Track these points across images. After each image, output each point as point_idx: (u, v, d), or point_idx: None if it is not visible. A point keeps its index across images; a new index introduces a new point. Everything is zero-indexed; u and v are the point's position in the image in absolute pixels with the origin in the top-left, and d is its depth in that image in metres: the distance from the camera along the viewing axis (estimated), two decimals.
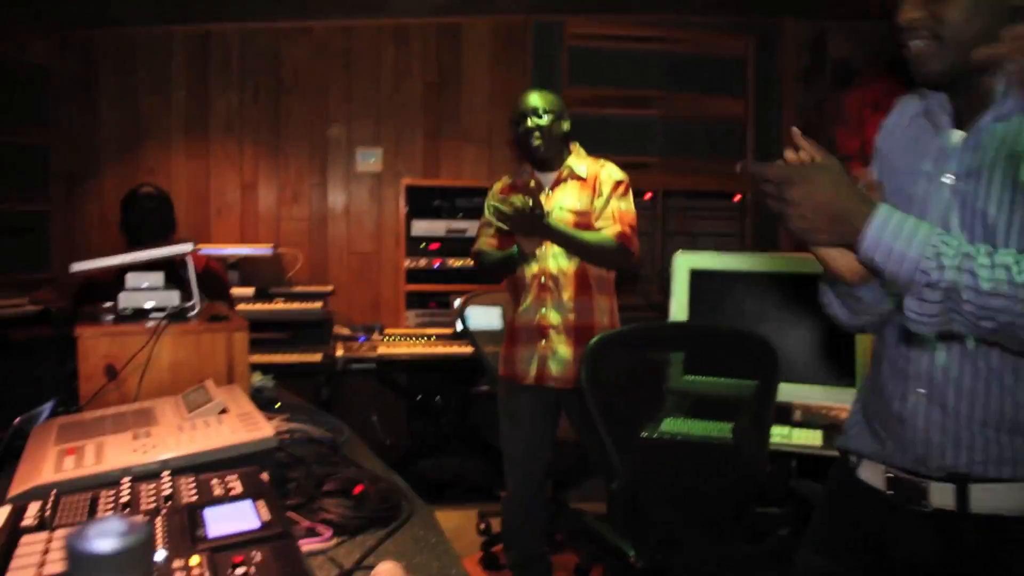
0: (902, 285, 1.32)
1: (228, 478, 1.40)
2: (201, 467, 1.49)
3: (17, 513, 1.28)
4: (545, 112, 3.10)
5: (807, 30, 5.41)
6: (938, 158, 1.53)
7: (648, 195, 5.31)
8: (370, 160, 5.26)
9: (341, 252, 5.28)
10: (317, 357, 4.55)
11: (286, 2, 4.82)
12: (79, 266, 2.18)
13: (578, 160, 3.19)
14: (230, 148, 5.16)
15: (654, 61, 5.33)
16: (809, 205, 1.35)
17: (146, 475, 1.44)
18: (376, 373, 4.74)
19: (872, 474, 1.62)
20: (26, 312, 4.05)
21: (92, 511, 1.29)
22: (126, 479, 1.38)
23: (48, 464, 1.51)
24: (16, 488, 1.42)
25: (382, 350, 4.62)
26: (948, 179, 1.49)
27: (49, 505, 1.30)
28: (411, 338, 4.81)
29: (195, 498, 1.31)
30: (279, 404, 2.41)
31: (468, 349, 4.46)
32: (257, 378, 2.57)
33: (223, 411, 1.76)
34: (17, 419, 1.90)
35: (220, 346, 2.17)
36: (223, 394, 1.87)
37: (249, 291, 4.76)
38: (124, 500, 1.31)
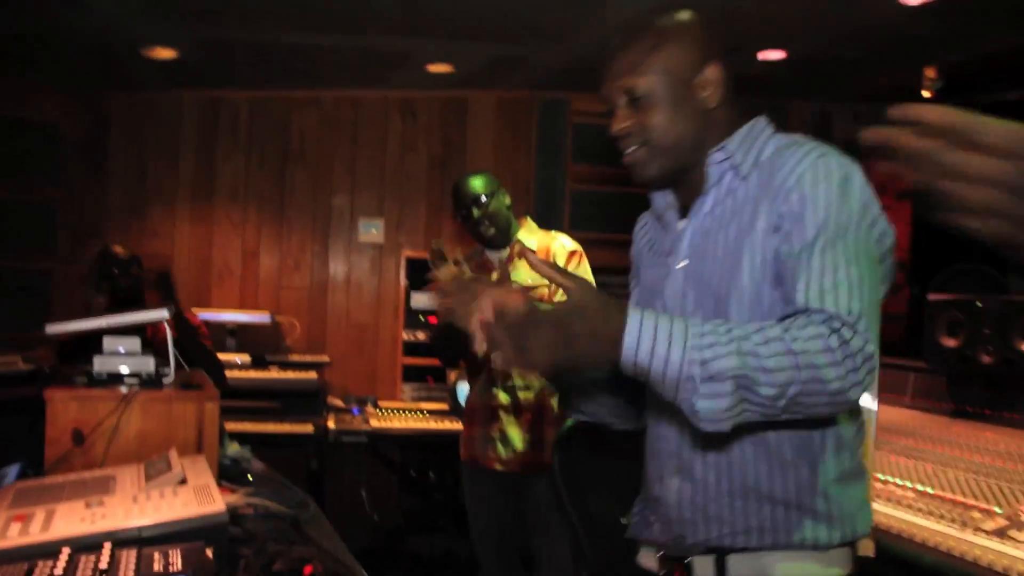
0: (676, 386, 1.21)
1: (171, 553, 1.37)
2: (148, 540, 1.46)
3: None
4: (486, 196, 3.08)
5: (813, 112, 5.46)
6: (671, 250, 1.62)
7: None
8: (372, 231, 5.28)
9: (339, 322, 5.28)
10: (309, 428, 4.52)
11: (296, 72, 4.90)
12: (55, 328, 2.17)
13: (528, 234, 3.18)
14: (234, 214, 5.20)
15: None
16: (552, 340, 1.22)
17: (89, 546, 1.40)
18: (368, 446, 4.69)
19: (647, 558, 1.68)
20: (18, 371, 4.03)
21: None
22: (65, 550, 1.35)
23: None
24: None
25: (375, 423, 4.58)
26: (680, 264, 1.58)
27: None
28: (405, 412, 4.76)
29: (132, 573, 1.28)
30: (251, 476, 2.37)
31: (461, 426, 4.41)
32: (234, 448, 2.54)
33: (182, 482, 1.73)
34: None
35: (191, 415, 2.15)
36: (186, 464, 1.84)
37: (245, 358, 4.75)
38: (59, 572, 1.27)
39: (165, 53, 4.37)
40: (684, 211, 1.63)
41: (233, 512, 1.68)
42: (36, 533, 1.47)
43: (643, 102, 1.54)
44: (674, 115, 1.55)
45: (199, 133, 5.17)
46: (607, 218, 5.00)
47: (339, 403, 4.83)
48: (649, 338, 1.21)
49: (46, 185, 5.02)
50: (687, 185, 1.60)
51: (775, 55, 4.38)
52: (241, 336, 4.96)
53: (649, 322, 1.22)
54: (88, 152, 5.12)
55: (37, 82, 4.95)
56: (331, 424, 4.53)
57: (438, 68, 4.75)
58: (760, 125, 1.59)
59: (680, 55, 1.55)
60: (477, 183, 3.12)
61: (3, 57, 4.52)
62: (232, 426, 3.56)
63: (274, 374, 4.69)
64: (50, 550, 1.38)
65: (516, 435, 3.02)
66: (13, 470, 2.02)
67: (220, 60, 4.64)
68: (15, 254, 4.78)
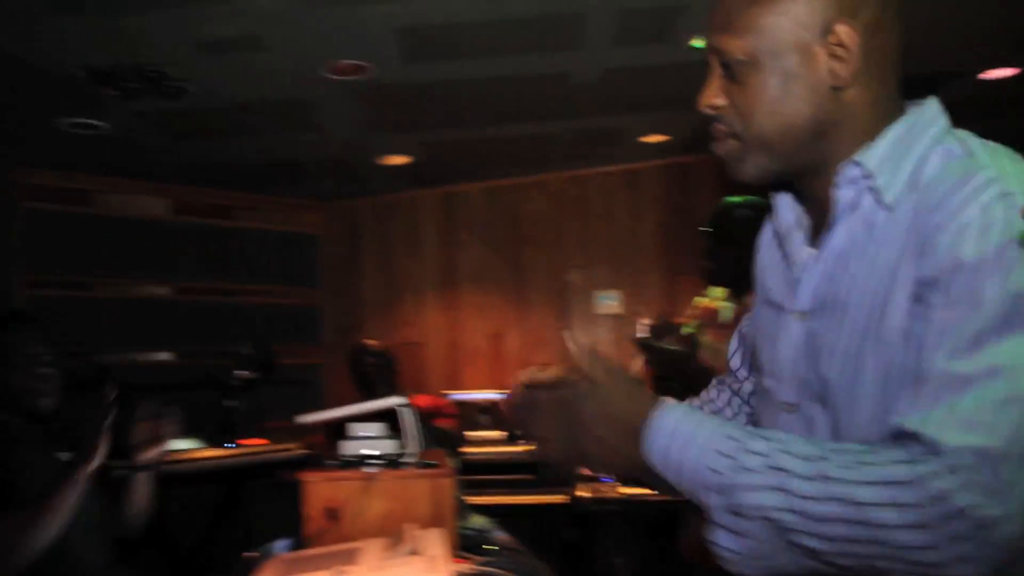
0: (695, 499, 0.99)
1: None
2: None
3: None
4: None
5: None
6: (790, 287, 1.23)
7: None
8: (609, 302, 5.41)
9: None
10: (561, 498, 4.64)
11: (523, 160, 5.17)
12: (304, 418, 2.43)
13: None
14: (477, 298, 5.51)
15: None
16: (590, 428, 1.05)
17: None
18: (622, 515, 4.74)
19: None
20: (295, 456, 4.47)
21: None
22: None
23: None
24: None
25: (628, 491, 4.63)
26: (796, 312, 1.19)
27: None
28: None
29: None
30: (489, 547, 2.51)
31: None
32: (478, 520, 2.70)
33: (414, 553, 1.89)
34: (253, 552, 2.12)
35: (427, 492, 2.32)
36: (422, 537, 2.00)
37: (499, 435, 4.97)
38: None
39: (399, 160, 4.79)
40: (815, 232, 1.22)
41: None
42: None
43: (738, 72, 1.14)
44: (780, 95, 1.13)
45: (438, 226, 5.57)
46: None
47: (590, 472, 4.92)
48: (667, 436, 1.00)
49: (310, 288, 5.59)
50: (813, 197, 1.21)
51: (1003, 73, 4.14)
52: (494, 413, 5.20)
53: (673, 417, 1.01)
54: (343, 255, 5.65)
55: (299, 199, 5.56)
56: (584, 493, 4.62)
57: (654, 139, 4.86)
58: (926, 118, 1.12)
59: (795, 8, 1.10)
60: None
61: (272, 181, 5.12)
62: (487, 499, 3.75)
63: (526, 447, 4.85)
64: None
65: None
66: (286, 543, 2.28)
67: (450, 159, 4.98)
68: (288, 351, 5.31)
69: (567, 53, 3.47)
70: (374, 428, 2.50)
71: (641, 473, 1.01)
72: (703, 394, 1.63)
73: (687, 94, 4.09)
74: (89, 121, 3.83)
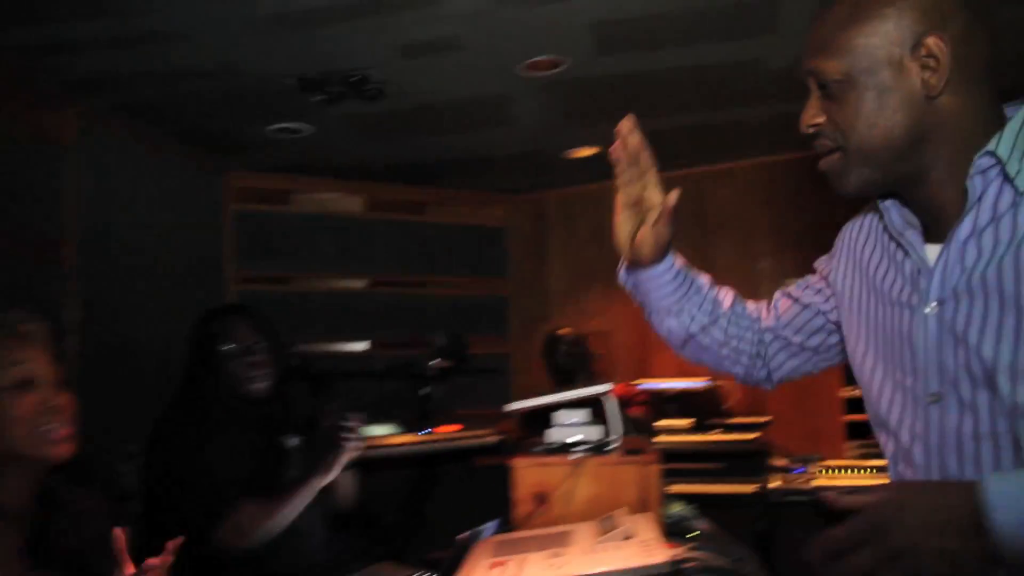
0: None
1: None
2: None
3: None
4: None
5: None
6: (914, 284, 1.28)
7: None
8: None
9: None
10: (751, 488, 4.57)
11: (712, 148, 5.12)
12: (513, 406, 2.51)
13: None
14: None
15: None
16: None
17: None
18: (813, 506, 4.63)
19: None
20: (488, 442, 4.60)
21: None
22: None
23: (479, 573, 1.78)
24: None
25: (819, 482, 4.52)
26: (930, 308, 1.23)
27: None
28: (852, 470, 4.65)
29: None
30: (697, 533, 2.51)
31: None
32: (677, 508, 2.71)
33: (628, 537, 1.92)
34: (465, 534, 2.21)
35: (634, 478, 2.35)
36: (632, 522, 2.03)
37: (687, 423, 4.95)
38: None
39: (587, 151, 4.83)
40: (927, 231, 1.29)
41: (676, 564, 1.83)
42: None
43: (835, 91, 1.23)
44: (877, 108, 1.20)
45: None
46: None
47: (782, 462, 4.83)
48: (1017, 507, 0.92)
49: (498, 279, 5.72)
50: (918, 200, 1.27)
51: None
52: (682, 401, 5.18)
53: (1012, 484, 0.95)
54: (530, 247, 5.74)
55: (487, 193, 5.70)
56: (775, 484, 4.55)
57: None
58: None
59: (885, 27, 1.19)
60: None
61: (462, 176, 5.28)
62: (678, 488, 3.75)
63: (715, 437, 4.83)
64: None
65: None
66: (493, 525, 2.36)
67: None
68: (476, 341, 5.46)
69: (759, 39, 3.41)
70: (580, 415, 2.55)
71: (997, 561, 0.92)
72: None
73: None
74: (293, 126, 4.06)
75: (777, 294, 1.75)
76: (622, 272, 1.74)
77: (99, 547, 1.75)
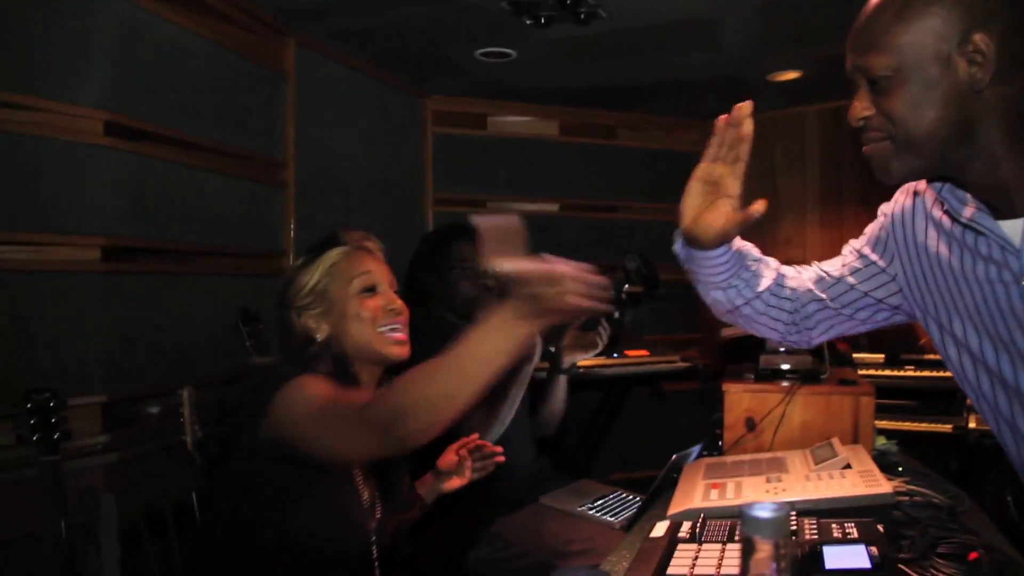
0: None
1: (846, 525, 1.59)
2: (822, 512, 1.70)
3: (674, 528, 1.63)
4: None
5: None
6: (1001, 260, 1.34)
7: None
8: None
9: None
10: (947, 428, 4.46)
11: None
12: (728, 331, 2.55)
13: None
14: (862, 218, 5.31)
15: None
16: None
17: None
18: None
19: None
20: (677, 368, 4.65)
21: (731, 534, 1.58)
22: None
23: (698, 494, 1.85)
24: (673, 509, 1.78)
25: None
26: None
27: (699, 524, 1.62)
28: None
29: (815, 536, 1.52)
30: (901, 468, 2.50)
31: None
32: (881, 441, 2.69)
33: (846, 467, 1.95)
34: (674, 456, 2.29)
35: (847, 408, 2.36)
36: (847, 452, 2.05)
37: (879, 357, 4.84)
38: None
39: (789, 75, 4.69)
40: (994, 210, 1.36)
41: (898, 497, 1.85)
42: (731, 499, 1.80)
43: (884, 85, 1.31)
44: (925, 101, 1.28)
45: (823, 144, 5.41)
46: None
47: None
48: None
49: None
50: (978, 181, 1.34)
51: None
52: (876, 335, 5.05)
53: None
54: None
55: (679, 118, 5.63)
56: (972, 424, 4.41)
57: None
58: None
59: (933, 24, 1.26)
60: None
61: (655, 100, 5.23)
62: (884, 423, 3.72)
63: (909, 373, 4.71)
64: None
65: None
66: (696, 449, 2.43)
67: (841, 73, 4.82)
68: (665, 268, 5.48)
69: None
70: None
71: None
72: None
73: None
74: (502, 49, 4.13)
75: (819, 267, 1.83)
76: (677, 243, 1.77)
77: None
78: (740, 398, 2.40)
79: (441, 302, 3.01)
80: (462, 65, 4.38)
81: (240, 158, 3.54)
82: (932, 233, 1.52)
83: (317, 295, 1.98)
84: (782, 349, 2.53)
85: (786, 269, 1.84)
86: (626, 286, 4.61)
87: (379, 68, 4.44)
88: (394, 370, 1.99)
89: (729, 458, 2.25)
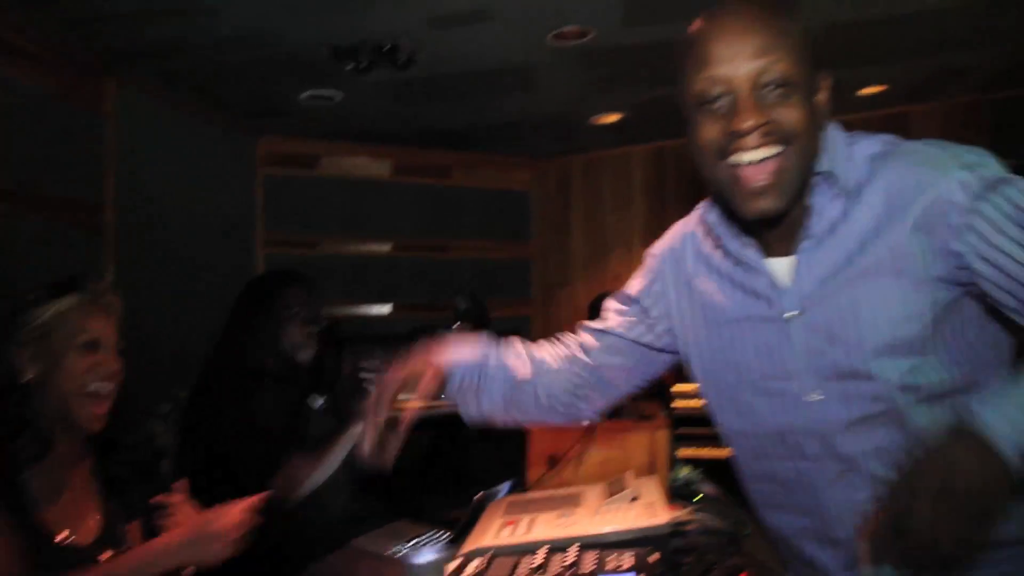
0: None
1: (625, 555, 1.66)
2: (607, 545, 1.77)
3: (462, 566, 1.67)
4: None
5: None
6: (767, 297, 1.40)
7: None
8: None
9: None
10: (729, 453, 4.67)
11: None
12: None
13: None
14: None
15: None
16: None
17: (561, 547, 1.76)
18: None
19: None
20: None
21: (513, 570, 1.63)
22: (543, 549, 1.71)
23: (492, 531, 1.90)
24: (466, 547, 1.82)
25: None
26: (791, 314, 1.36)
27: (485, 562, 1.67)
28: None
29: (592, 568, 1.59)
30: (700, 496, 2.63)
31: None
32: (684, 471, 2.82)
33: (634, 499, 2.03)
34: (480, 494, 2.33)
35: (644, 443, 2.47)
36: (639, 485, 2.14)
37: (694, 387, 5.03)
38: (537, 564, 1.63)
39: (612, 117, 4.89)
40: (765, 246, 1.40)
41: (677, 525, 1.94)
42: (521, 536, 1.86)
43: (780, 92, 1.23)
44: (812, 120, 1.27)
45: (647, 182, 5.64)
46: None
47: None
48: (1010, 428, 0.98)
49: (521, 243, 5.83)
50: (764, 216, 1.32)
51: None
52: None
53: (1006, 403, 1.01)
54: (554, 211, 5.84)
55: (512, 157, 5.78)
56: None
57: (872, 90, 4.73)
58: (836, 131, 1.35)
59: (807, 51, 1.27)
60: None
61: (487, 141, 5.35)
62: (690, 452, 3.87)
63: None
64: (532, 548, 1.76)
65: None
66: (507, 486, 2.48)
67: (661, 114, 5.05)
68: (499, 305, 5.57)
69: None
70: None
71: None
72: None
73: (912, 40, 3.83)
74: (325, 92, 4.15)
75: (584, 332, 1.86)
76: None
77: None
78: (543, 436, 2.47)
79: (264, 348, 2.97)
80: (289, 106, 4.38)
81: (55, 202, 3.42)
82: (702, 270, 1.56)
83: (40, 335, 1.91)
84: None
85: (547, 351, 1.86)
86: (455, 325, 4.67)
87: (206, 108, 4.39)
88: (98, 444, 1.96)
89: (532, 495, 2.30)
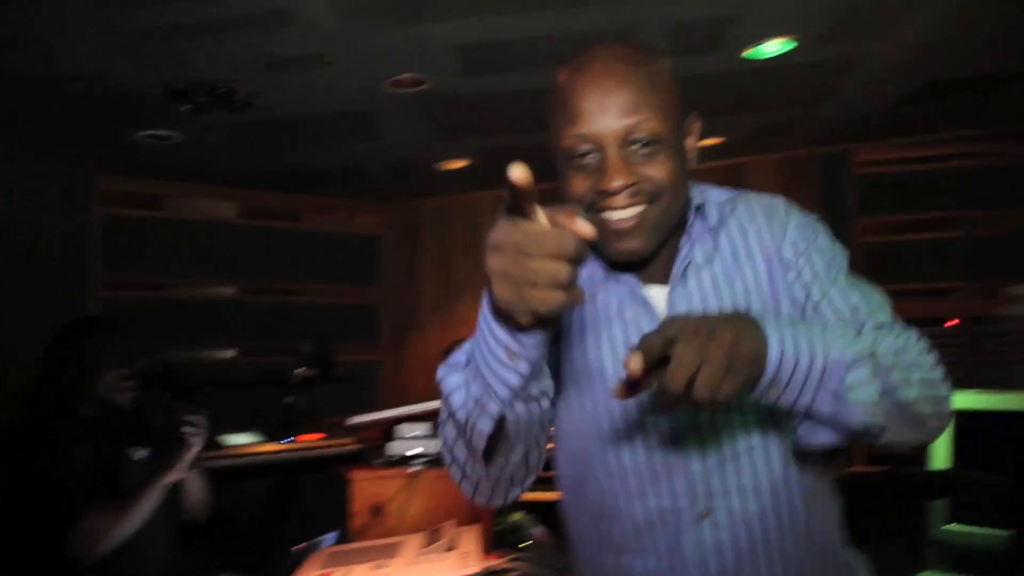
0: (821, 376, 1.10)
1: None
2: None
3: None
4: None
5: None
6: (638, 324, 1.36)
7: (954, 322, 5.06)
8: None
9: None
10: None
11: None
12: (355, 420, 2.60)
13: None
14: None
15: (947, 180, 5.10)
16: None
17: None
18: None
19: None
20: (351, 451, 4.65)
21: None
22: None
23: None
24: None
25: None
26: None
27: None
28: None
29: None
30: (529, 542, 2.65)
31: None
32: (516, 516, 2.84)
33: (450, 549, 2.04)
34: (304, 543, 2.30)
35: None
36: (458, 534, 2.15)
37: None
38: None
39: (458, 164, 4.94)
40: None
41: (491, 575, 1.95)
42: None
43: (647, 150, 1.27)
44: (681, 170, 1.32)
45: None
46: (903, 268, 4.91)
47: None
48: (789, 335, 1.09)
49: (371, 287, 5.80)
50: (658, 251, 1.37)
51: None
52: None
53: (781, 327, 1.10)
54: (404, 255, 5.84)
55: (361, 201, 5.76)
56: None
57: (710, 142, 4.92)
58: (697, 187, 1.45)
59: (676, 97, 1.32)
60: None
61: (335, 184, 5.32)
62: (533, 495, 3.89)
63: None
64: None
65: None
66: (332, 536, 2.45)
67: (506, 162, 5.12)
68: (348, 349, 5.51)
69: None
70: (420, 428, 2.66)
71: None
72: None
73: (743, 98, 4.03)
74: (162, 132, 4.05)
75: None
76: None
77: None
78: (366, 485, 2.45)
79: (77, 395, 2.84)
80: (125, 145, 4.25)
81: None
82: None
83: None
84: (408, 434, 2.61)
85: None
86: (298, 370, 4.60)
87: (36, 148, 4.22)
88: None
89: (354, 545, 2.29)
